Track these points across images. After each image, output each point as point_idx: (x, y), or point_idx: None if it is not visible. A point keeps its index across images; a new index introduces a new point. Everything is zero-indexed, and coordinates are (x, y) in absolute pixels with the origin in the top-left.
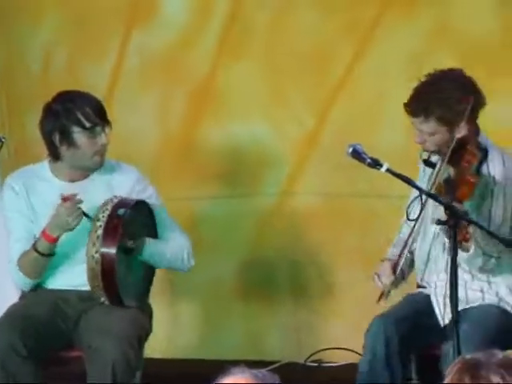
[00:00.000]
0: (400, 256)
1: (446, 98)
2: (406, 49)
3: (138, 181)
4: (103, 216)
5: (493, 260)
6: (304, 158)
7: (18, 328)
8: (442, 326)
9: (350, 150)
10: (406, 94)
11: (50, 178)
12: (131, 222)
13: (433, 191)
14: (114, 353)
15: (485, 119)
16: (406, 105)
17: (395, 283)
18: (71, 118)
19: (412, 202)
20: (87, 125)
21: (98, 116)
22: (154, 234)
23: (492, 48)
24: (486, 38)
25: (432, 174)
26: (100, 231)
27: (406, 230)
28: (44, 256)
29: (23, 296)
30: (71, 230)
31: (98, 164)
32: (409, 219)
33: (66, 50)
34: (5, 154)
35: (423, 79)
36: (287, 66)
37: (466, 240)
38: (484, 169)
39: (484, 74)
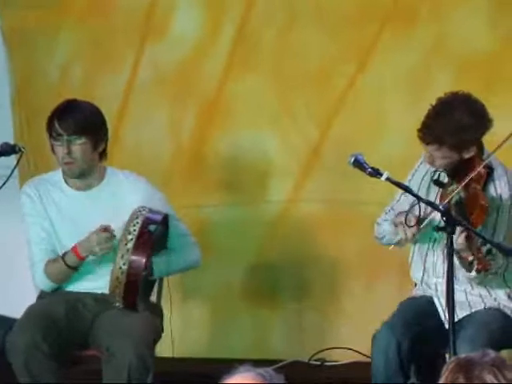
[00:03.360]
0: (420, 215)
1: (459, 127)
2: (405, 65)
3: (146, 189)
4: (134, 230)
5: (490, 276)
6: (308, 167)
7: (39, 326)
8: (447, 327)
9: (352, 159)
10: (404, 107)
11: (61, 185)
12: (158, 237)
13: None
14: (131, 355)
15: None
16: (419, 131)
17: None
18: (48, 126)
19: (410, 209)
20: (53, 134)
21: (65, 128)
22: (165, 242)
23: (488, 64)
24: (483, 55)
25: (439, 192)
26: (130, 244)
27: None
28: (71, 268)
29: (41, 296)
30: (96, 255)
31: (67, 173)
32: (408, 226)
33: (82, 65)
34: (24, 164)
35: (434, 104)
36: (293, 80)
37: (486, 270)
38: (491, 188)
39: (481, 89)
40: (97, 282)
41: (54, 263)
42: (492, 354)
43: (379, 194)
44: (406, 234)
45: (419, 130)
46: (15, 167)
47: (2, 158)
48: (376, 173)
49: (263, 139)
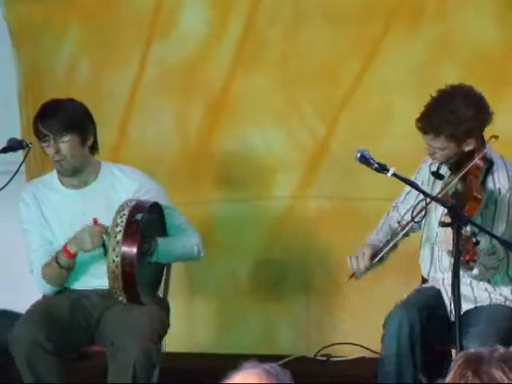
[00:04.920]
0: (384, 246)
1: (456, 117)
2: (411, 60)
3: (142, 182)
4: (121, 221)
5: (492, 271)
6: (315, 163)
7: (42, 323)
8: (451, 321)
9: (358, 155)
10: (410, 104)
11: (57, 186)
12: (147, 225)
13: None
14: (137, 351)
15: (489, 129)
16: (417, 121)
17: (369, 268)
18: (33, 129)
19: (417, 205)
20: (39, 135)
21: (48, 129)
22: (164, 231)
23: (495, 59)
24: (489, 50)
25: (441, 184)
26: (119, 236)
27: (394, 219)
28: (64, 269)
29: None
30: (86, 251)
31: (61, 171)
32: (415, 221)
33: (90, 61)
34: (31, 160)
35: (434, 95)
36: (299, 77)
37: (474, 260)
38: (489, 180)
39: (487, 84)
40: (101, 279)
41: (48, 266)
42: (501, 349)
43: (385, 189)
44: (358, 266)
45: (418, 120)
46: (22, 163)
47: (10, 153)
48: (382, 168)
49: (270, 136)
